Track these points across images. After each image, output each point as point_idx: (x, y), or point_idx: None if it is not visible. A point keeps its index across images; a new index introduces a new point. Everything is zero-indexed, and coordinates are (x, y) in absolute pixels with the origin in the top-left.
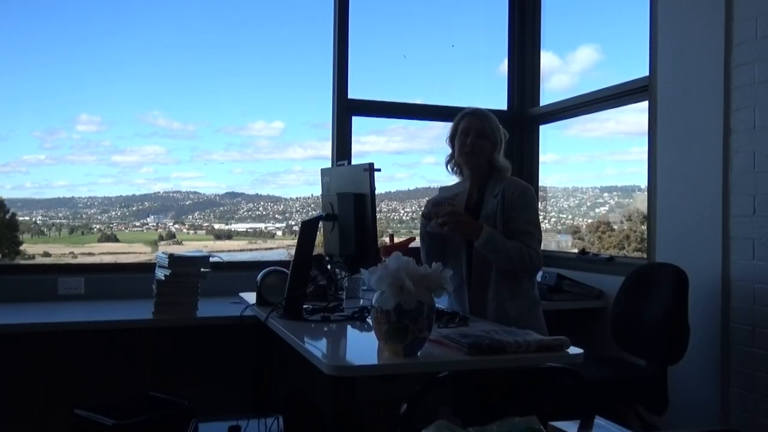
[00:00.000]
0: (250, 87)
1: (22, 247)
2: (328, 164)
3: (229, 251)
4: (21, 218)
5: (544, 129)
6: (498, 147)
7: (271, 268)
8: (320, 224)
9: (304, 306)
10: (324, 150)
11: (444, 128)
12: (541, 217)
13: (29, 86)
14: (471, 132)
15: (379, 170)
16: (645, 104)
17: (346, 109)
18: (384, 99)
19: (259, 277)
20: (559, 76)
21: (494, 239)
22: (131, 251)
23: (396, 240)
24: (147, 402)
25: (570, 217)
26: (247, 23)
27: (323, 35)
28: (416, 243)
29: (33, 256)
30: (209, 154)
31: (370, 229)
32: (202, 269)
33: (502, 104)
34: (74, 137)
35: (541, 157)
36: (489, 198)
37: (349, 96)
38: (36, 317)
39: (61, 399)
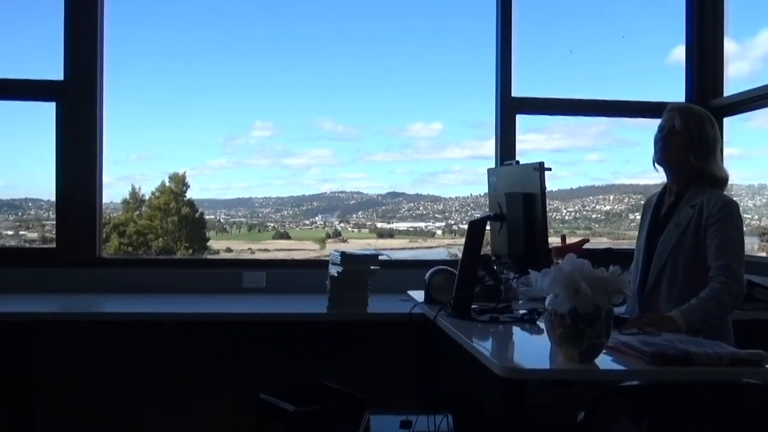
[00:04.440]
0: (410, 89)
1: (209, 243)
2: (486, 164)
3: (391, 249)
4: (207, 217)
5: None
6: (695, 147)
7: (439, 267)
8: (487, 224)
9: (472, 306)
10: (482, 149)
11: (609, 124)
12: None
13: (213, 97)
14: (663, 129)
15: (549, 169)
16: None
17: (511, 108)
18: (547, 96)
19: (427, 275)
20: (737, 63)
21: (693, 317)
22: (302, 248)
23: (568, 241)
24: (323, 391)
25: (756, 217)
26: (404, 26)
27: (484, 32)
28: (590, 245)
29: (218, 252)
30: (371, 155)
31: (540, 230)
32: (371, 267)
33: (679, 96)
34: (251, 142)
35: None
36: (685, 206)
37: (513, 94)
38: (224, 307)
39: (247, 384)
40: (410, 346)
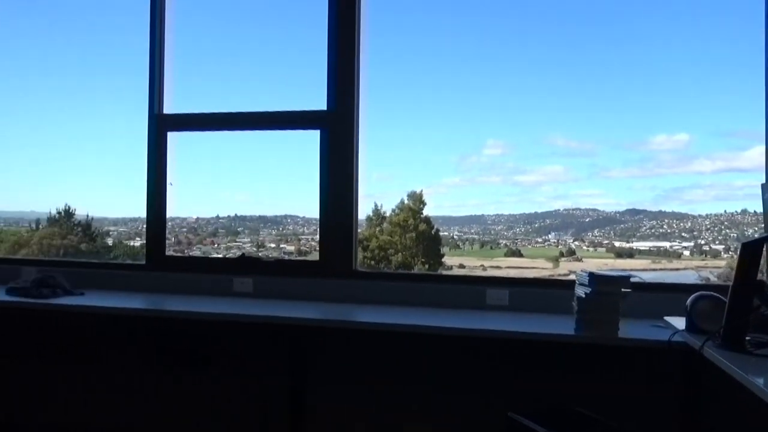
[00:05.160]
0: (650, 99)
1: (443, 259)
2: (743, 177)
3: (631, 270)
4: (442, 233)
5: None
6: None
7: (703, 292)
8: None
9: (746, 338)
10: (737, 161)
11: None
12: None
13: (447, 118)
14: None
15: None
16: None
17: None
18: None
19: (689, 301)
20: None
21: None
22: (534, 266)
23: None
24: (573, 416)
25: None
26: (643, 29)
27: (744, 27)
28: None
29: (451, 267)
30: (607, 171)
31: None
32: (622, 289)
33: None
34: (482, 160)
35: None
36: None
37: None
38: (468, 323)
39: (494, 401)
40: (669, 376)
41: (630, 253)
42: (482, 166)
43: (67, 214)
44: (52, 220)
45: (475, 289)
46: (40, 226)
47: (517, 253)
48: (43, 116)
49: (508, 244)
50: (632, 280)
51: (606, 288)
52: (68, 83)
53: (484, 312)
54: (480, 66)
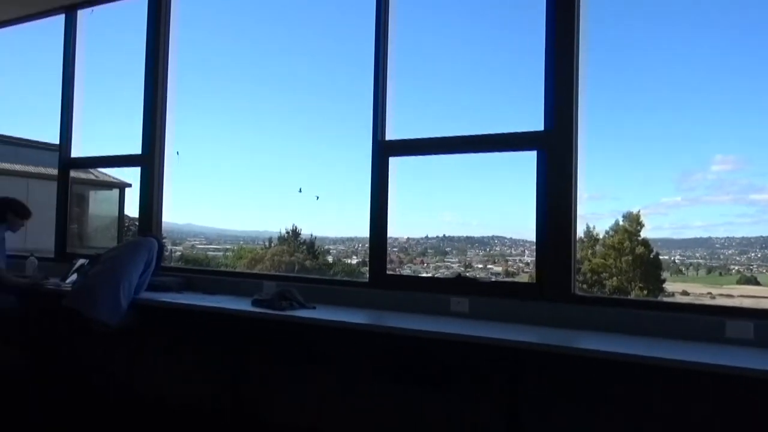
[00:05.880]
0: None
1: (664, 285)
2: None
3: None
4: (662, 257)
5: None
6: None
7: None
8: None
9: None
10: None
11: None
12: None
13: (666, 134)
14: None
15: None
16: None
17: None
18: None
19: None
20: None
21: None
22: None
23: None
24: None
25: None
26: None
27: None
28: None
29: (672, 294)
30: None
31: None
32: None
33: None
34: (709, 177)
35: None
36: None
37: None
38: (705, 357)
39: None
40: None
41: None
42: (709, 183)
43: (294, 233)
44: (281, 239)
45: (710, 320)
46: (272, 244)
47: (753, 281)
48: (272, 148)
49: (741, 270)
50: None
51: None
52: (297, 118)
53: (723, 346)
54: (705, 74)
